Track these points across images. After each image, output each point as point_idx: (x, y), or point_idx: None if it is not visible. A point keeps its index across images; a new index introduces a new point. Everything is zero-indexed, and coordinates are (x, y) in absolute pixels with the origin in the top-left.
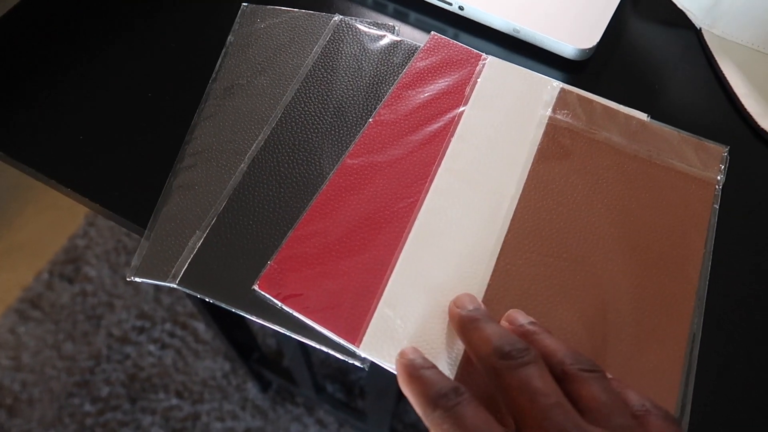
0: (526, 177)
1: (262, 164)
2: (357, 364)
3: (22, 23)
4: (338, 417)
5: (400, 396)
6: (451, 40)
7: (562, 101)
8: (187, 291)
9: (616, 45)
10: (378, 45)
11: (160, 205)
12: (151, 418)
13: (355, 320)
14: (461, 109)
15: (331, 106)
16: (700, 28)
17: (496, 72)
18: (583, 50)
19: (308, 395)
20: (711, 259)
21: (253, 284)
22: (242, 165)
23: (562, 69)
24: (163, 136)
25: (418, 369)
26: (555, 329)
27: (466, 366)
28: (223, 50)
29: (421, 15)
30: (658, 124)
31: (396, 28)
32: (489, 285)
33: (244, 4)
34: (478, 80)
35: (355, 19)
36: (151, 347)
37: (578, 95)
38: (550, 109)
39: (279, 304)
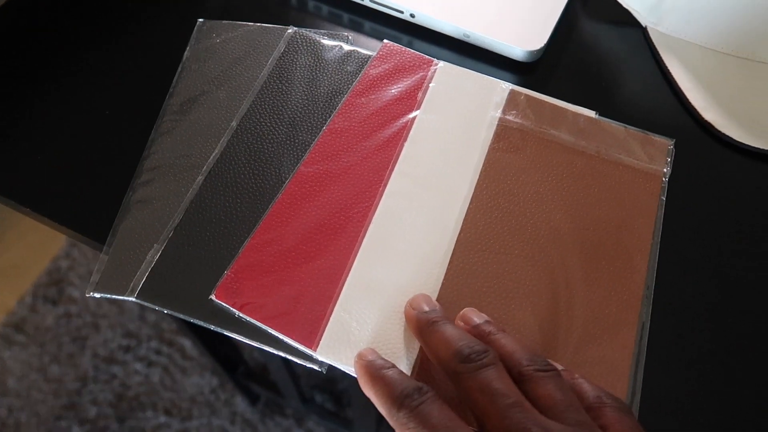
0: (477, 177)
1: (218, 176)
2: (315, 367)
3: None
4: (328, 427)
5: None
6: (404, 47)
7: (511, 102)
8: (146, 304)
9: (564, 45)
10: (332, 55)
11: (118, 221)
12: None
13: (311, 325)
14: (414, 113)
15: (287, 116)
16: (646, 26)
17: (447, 76)
18: (532, 52)
19: (296, 407)
20: (659, 249)
21: (210, 294)
22: (199, 177)
23: (512, 71)
24: (122, 153)
25: (379, 369)
26: (509, 325)
27: (423, 365)
28: (180, 66)
29: (375, 24)
30: (605, 121)
31: (350, 37)
32: (443, 284)
33: (200, 20)
34: (430, 85)
35: (310, 31)
36: (138, 366)
37: (527, 96)
38: (500, 111)
39: (236, 312)
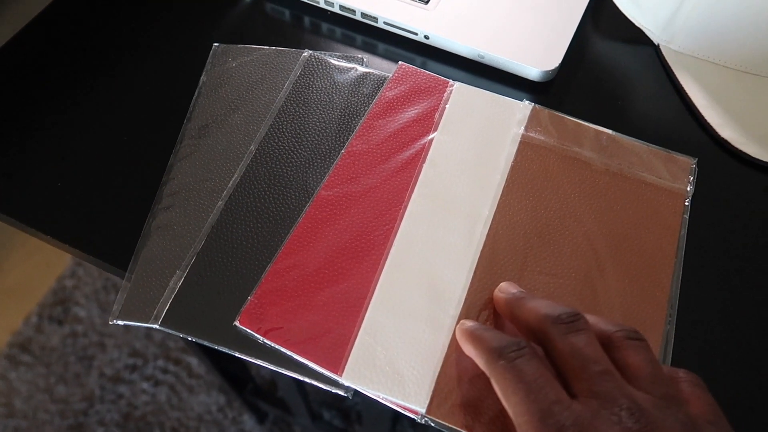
0: (500, 194)
1: (238, 201)
2: (341, 393)
3: None
4: None
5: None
6: (419, 69)
7: (534, 119)
8: (170, 331)
9: (578, 64)
10: (347, 77)
11: (139, 247)
12: None
13: (336, 350)
14: (431, 135)
15: (305, 139)
16: (658, 44)
17: (463, 97)
18: (547, 71)
19: (305, 424)
20: (682, 267)
21: (234, 320)
22: (219, 202)
23: (527, 91)
24: (141, 179)
25: (479, 329)
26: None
27: (448, 383)
28: (197, 90)
29: (389, 45)
30: (626, 138)
31: (365, 59)
32: (466, 304)
33: (215, 44)
34: (447, 106)
35: (325, 53)
36: (145, 385)
37: (549, 113)
38: (522, 128)
39: (261, 338)
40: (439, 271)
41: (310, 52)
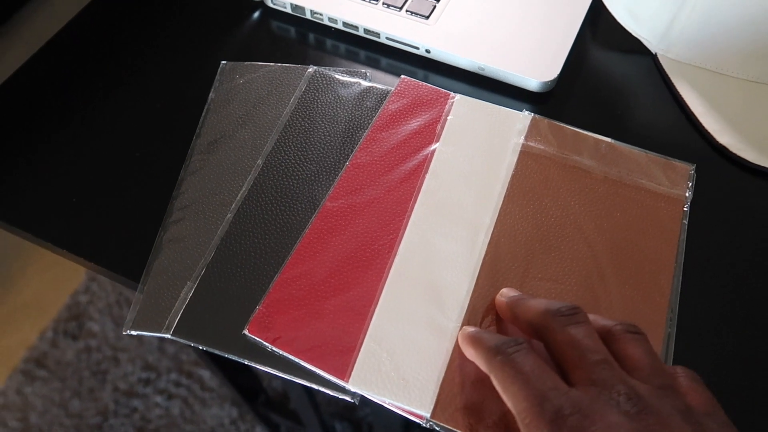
0: (501, 203)
1: (247, 213)
2: (347, 399)
3: (9, 93)
4: None
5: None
6: (421, 82)
7: (534, 129)
8: (181, 340)
9: (577, 75)
10: (351, 91)
11: (151, 260)
12: None
13: (343, 357)
14: (433, 146)
15: (310, 152)
16: (656, 53)
17: (464, 108)
18: (546, 82)
19: None
20: (682, 273)
21: (243, 329)
22: (228, 215)
23: (527, 101)
24: (152, 193)
25: (479, 332)
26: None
27: (452, 388)
28: (206, 107)
29: (391, 59)
30: (625, 146)
31: (368, 74)
32: (468, 311)
33: (223, 62)
34: (448, 118)
35: (329, 69)
36: (158, 398)
37: (549, 122)
38: (522, 137)
39: (269, 346)
40: (442, 278)
41: (315, 67)
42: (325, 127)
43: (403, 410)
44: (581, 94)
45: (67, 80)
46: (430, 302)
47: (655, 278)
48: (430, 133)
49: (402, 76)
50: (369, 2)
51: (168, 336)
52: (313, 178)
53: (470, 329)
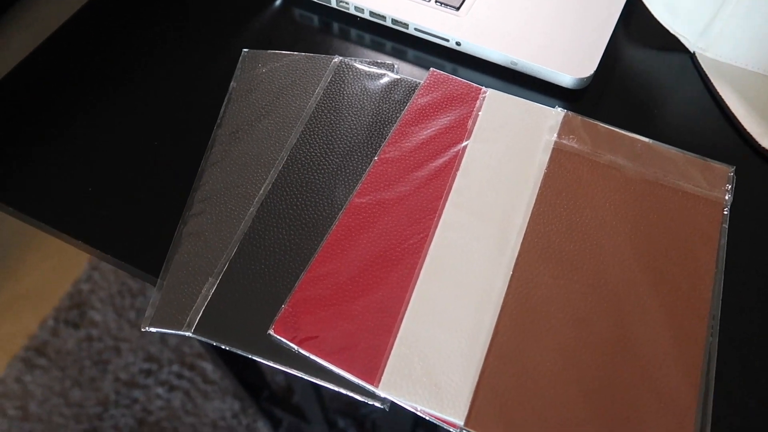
0: (533, 203)
1: (270, 207)
2: (377, 405)
3: (26, 77)
4: None
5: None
6: (451, 76)
7: (567, 126)
8: (203, 339)
9: (612, 72)
10: (378, 84)
11: (171, 254)
12: None
13: (372, 360)
14: (465, 143)
15: (336, 146)
16: (694, 52)
17: (496, 104)
18: (581, 79)
19: (320, 431)
20: (723, 278)
21: (268, 329)
22: (251, 209)
23: (560, 98)
24: (171, 184)
25: None
26: (569, 351)
27: (484, 393)
28: (227, 96)
29: (419, 52)
30: (661, 146)
31: (395, 66)
32: (501, 314)
33: (244, 50)
34: (479, 114)
35: (355, 60)
36: (159, 390)
37: (582, 120)
38: (555, 135)
39: (295, 347)
40: (473, 280)
41: (341, 58)
42: (352, 120)
43: (436, 417)
44: (616, 92)
45: (85, 67)
46: (462, 305)
47: (694, 284)
48: (461, 129)
49: (431, 69)
50: None
51: (188, 334)
52: (339, 172)
53: None
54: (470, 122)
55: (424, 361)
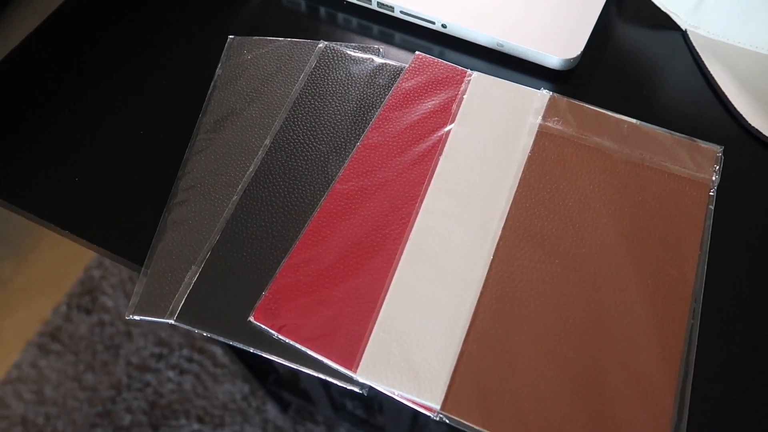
0: (516, 186)
1: (253, 195)
2: (355, 389)
3: (11, 71)
4: None
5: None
6: (436, 59)
7: (552, 108)
8: (185, 326)
9: (601, 52)
10: (364, 68)
11: (155, 242)
12: None
13: (351, 346)
14: (448, 127)
15: (320, 132)
16: (686, 30)
17: (481, 87)
18: (568, 60)
19: (327, 414)
20: (707, 260)
21: (249, 316)
22: (234, 197)
23: (548, 79)
24: (157, 173)
25: None
26: (551, 335)
27: (460, 381)
28: (212, 83)
29: (406, 35)
30: (649, 127)
31: (381, 50)
32: (480, 298)
33: (230, 36)
34: (464, 97)
35: (340, 44)
36: (170, 373)
37: (568, 102)
38: (540, 117)
39: (275, 334)
40: (454, 265)
41: (326, 43)
42: (336, 106)
43: (413, 402)
44: (605, 73)
45: (69, 58)
46: (441, 290)
47: (678, 266)
48: (445, 113)
49: (416, 53)
50: None
51: (171, 322)
52: (322, 158)
53: None
54: (455, 106)
55: (402, 346)
